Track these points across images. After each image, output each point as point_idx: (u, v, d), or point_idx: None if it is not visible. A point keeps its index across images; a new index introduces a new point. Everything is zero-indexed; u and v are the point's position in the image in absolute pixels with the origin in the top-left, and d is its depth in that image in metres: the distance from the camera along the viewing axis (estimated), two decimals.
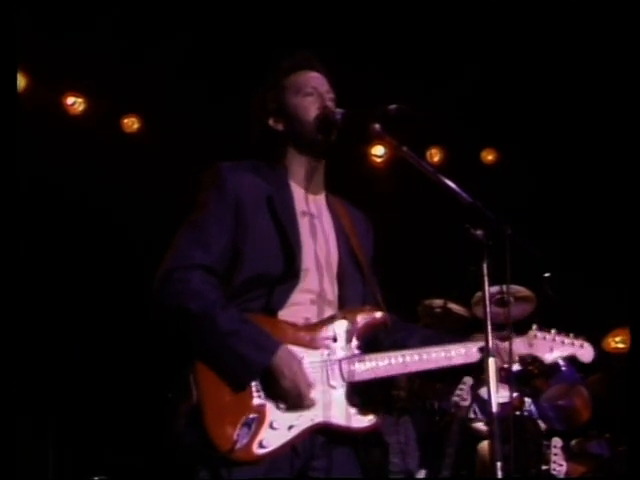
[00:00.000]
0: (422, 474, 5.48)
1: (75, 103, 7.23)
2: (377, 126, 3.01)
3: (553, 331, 3.24)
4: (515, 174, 7.79)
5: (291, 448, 2.84)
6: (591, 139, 7.45)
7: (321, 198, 3.20)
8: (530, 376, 5.43)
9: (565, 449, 5.34)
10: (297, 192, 3.12)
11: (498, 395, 2.70)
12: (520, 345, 3.18)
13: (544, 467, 5.24)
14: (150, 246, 7.11)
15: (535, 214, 7.31)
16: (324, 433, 2.91)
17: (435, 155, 7.96)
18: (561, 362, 5.39)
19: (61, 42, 6.73)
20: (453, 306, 5.89)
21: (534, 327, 3.23)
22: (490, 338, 2.74)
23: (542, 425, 5.43)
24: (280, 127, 3.15)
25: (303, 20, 6.86)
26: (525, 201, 7.46)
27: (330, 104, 3.14)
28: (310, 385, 2.85)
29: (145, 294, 2.92)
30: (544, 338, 3.23)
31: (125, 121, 7.50)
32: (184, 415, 2.80)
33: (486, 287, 2.73)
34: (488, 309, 2.74)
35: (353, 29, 6.97)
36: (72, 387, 6.59)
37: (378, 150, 7.90)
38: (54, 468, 6.11)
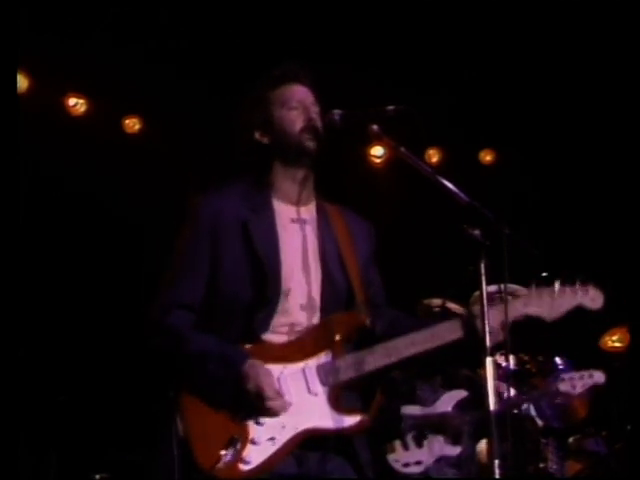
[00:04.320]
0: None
1: (77, 104, 7.25)
2: (375, 127, 3.04)
3: (557, 283, 3.02)
4: (513, 175, 7.81)
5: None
6: (589, 139, 7.46)
7: (311, 208, 3.21)
8: (527, 374, 5.45)
9: (559, 448, 5.37)
10: (280, 210, 3.13)
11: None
12: (511, 309, 2.96)
13: (541, 465, 5.27)
14: (152, 246, 7.17)
15: (533, 214, 7.33)
16: (315, 446, 2.93)
17: (433, 156, 7.98)
18: (559, 361, 5.41)
19: (63, 43, 6.74)
20: (451, 305, 5.89)
21: (533, 285, 3.06)
22: (488, 337, 2.74)
23: (539, 423, 5.44)
24: (266, 140, 3.16)
25: (303, 22, 6.89)
26: (523, 201, 7.48)
27: (315, 117, 3.16)
28: (276, 390, 2.88)
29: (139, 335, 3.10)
30: (542, 294, 3.03)
31: (126, 122, 7.51)
32: (172, 446, 2.88)
33: (484, 286, 2.75)
34: (485, 308, 2.75)
35: (352, 29, 6.99)
36: (74, 384, 6.61)
37: (377, 151, 7.92)
38: (56, 465, 6.12)
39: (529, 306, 3.04)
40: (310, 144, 3.11)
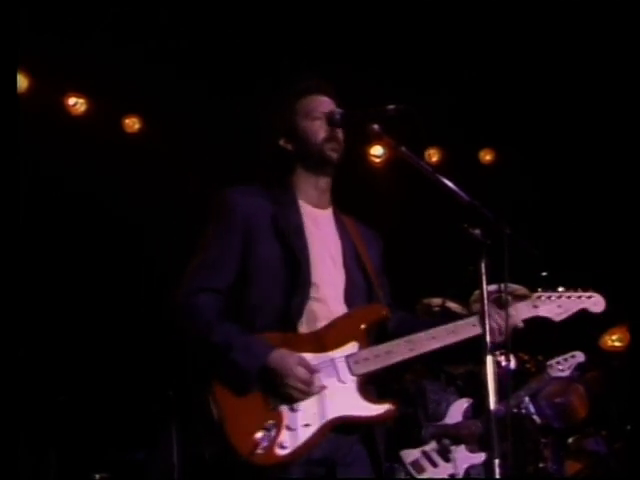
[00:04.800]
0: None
1: (77, 104, 7.25)
2: (376, 126, 3.11)
3: (560, 289, 3.22)
4: (513, 174, 7.82)
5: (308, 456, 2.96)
6: (589, 138, 7.47)
7: (328, 212, 3.35)
8: (526, 373, 5.46)
9: (559, 448, 5.38)
10: (305, 208, 3.28)
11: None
12: (524, 309, 3.22)
13: (541, 465, 5.27)
14: (152, 245, 7.19)
15: (533, 214, 7.34)
16: (341, 434, 3.02)
17: (433, 155, 7.98)
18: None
19: (63, 43, 6.74)
20: (451, 305, 5.89)
21: (539, 290, 3.24)
22: (488, 335, 2.77)
23: (538, 421, 5.44)
24: (290, 147, 3.32)
25: (303, 22, 6.89)
26: (523, 201, 7.48)
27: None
28: (313, 370, 2.98)
29: (163, 315, 3.15)
30: (549, 298, 3.23)
31: (126, 121, 7.51)
32: (207, 432, 2.96)
33: (484, 286, 2.78)
34: (486, 307, 2.78)
35: (352, 29, 6.99)
36: (74, 384, 6.61)
37: (377, 150, 7.92)
38: (56, 465, 6.13)
39: (539, 307, 3.24)
40: (332, 154, 3.27)
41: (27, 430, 5.86)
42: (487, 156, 8.23)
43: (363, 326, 3.14)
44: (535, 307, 3.23)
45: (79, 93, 7.28)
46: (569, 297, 3.22)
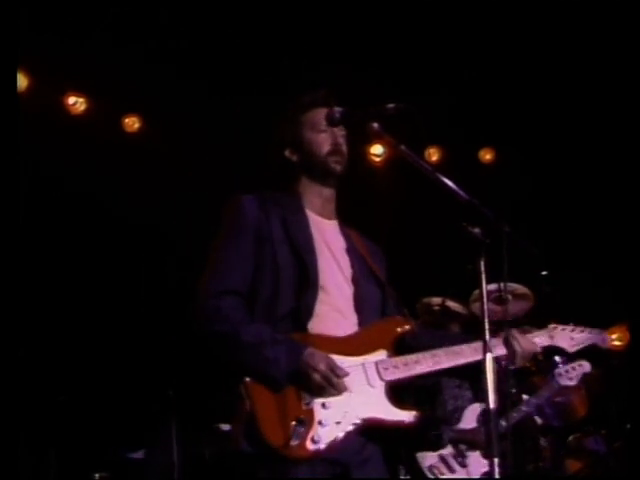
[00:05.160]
0: None
1: (76, 103, 7.26)
2: (375, 125, 3.13)
3: (571, 324, 3.43)
4: (513, 173, 7.82)
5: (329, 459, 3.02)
6: (589, 137, 7.47)
7: (334, 224, 3.44)
8: (527, 373, 5.47)
9: (558, 447, 5.39)
10: (311, 216, 3.36)
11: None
12: (542, 338, 3.38)
13: (541, 464, 5.28)
14: (151, 244, 7.19)
15: (533, 212, 7.34)
16: (364, 439, 3.10)
17: (433, 154, 7.98)
18: (557, 359, 5.42)
19: (62, 42, 6.74)
20: (451, 304, 5.90)
21: (552, 323, 3.43)
22: (487, 335, 2.78)
23: (539, 421, 5.45)
24: (295, 158, 3.42)
25: (303, 22, 6.89)
26: (523, 200, 7.48)
27: (341, 141, 3.40)
28: (340, 370, 3.05)
29: (187, 320, 3.22)
30: (563, 330, 3.42)
31: (126, 121, 7.52)
32: (240, 423, 3.02)
33: (483, 285, 2.79)
34: (485, 306, 2.79)
35: (352, 29, 7.00)
36: (74, 383, 6.61)
37: (377, 149, 7.92)
38: (56, 465, 6.13)
39: (555, 338, 3.42)
40: (336, 166, 3.38)
41: (27, 430, 5.87)
42: (487, 155, 8.24)
43: (391, 336, 3.24)
44: (551, 337, 3.41)
45: (79, 92, 7.28)
46: (581, 331, 3.45)
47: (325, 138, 3.38)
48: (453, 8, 6.88)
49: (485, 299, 2.78)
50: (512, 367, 3.22)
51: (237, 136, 7.15)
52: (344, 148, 3.40)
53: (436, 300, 5.92)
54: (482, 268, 2.78)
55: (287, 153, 3.42)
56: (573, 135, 7.51)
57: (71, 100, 7.26)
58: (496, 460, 2.68)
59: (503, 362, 3.21)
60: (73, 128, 7.20)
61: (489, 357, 2.75)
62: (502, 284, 2.84)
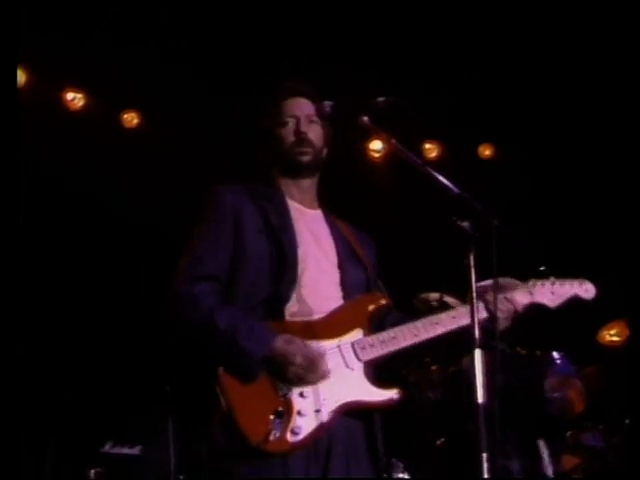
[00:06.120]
0: None
1: (75, 99, 7.27)
2: (365, 118, 3.10)
3: (552, 277, 3.32)
4: (512, 169, 7.82)
5: (306, 451, 2.97)
6: (588, 134, 7.47)
7: (319, 212, 3.39)
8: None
9: (553, 450, 5.41)
10: (293, 205, 3.31)
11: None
12: (521, 296, 3.28)
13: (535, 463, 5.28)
14: (149, 240, 7.19)
15: (532, 208, 7.35)
16: (342, 425, 3.03)
17: (432, 150, 7.98)
18: (556, 355, 5.43)
19: (61, 38, 6.74)
20: (449, 299, 5.90)
21: (532, 279, 3.33)
22: (477, 327, 2.79)
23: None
24: (267, 153, 3.37)
25: (303, 22, 6.89)
26: (523, 196, 7.49)
27: (305, 129, 3.30)
28: (318, 355, 3.00)
29: (160, 311, 3.16)
30: (543, 285, 3.31)
31: (125, 116, 7.53)
32: (218, 422, 2.96)
33: (473, 278, 2.79)
34: (474, 301, 2.81)
35: (352, 29, 7.00)
36: (70, 379, 6.62)
37: (376, 145, 7.92)
38: (52, 460, 6.14)
39: (534, 294, 3.30)
40: (301, 158, 3.29)
41: (25, 423, 5.86)
42: (486, 151, 8.24)
43: (366, 313, 3.17)
44: (530, 294, 3.30)
45: (77, 88, 7.29)
46: (561, 284, 3.32)
47: (288, 130, 3.31)
48: (453, 5, 6.87)
49: (474, 293, 2.79)
50: (498, 330, 3.11)
51: (235, 133, 7.15)
52: (311, 135, 3.31)
53: (434, 295, 5.92)
54: (472, 262, 2.78)
55: (260, 149, 3.39)
56: (573, 131, 7.51)
57: (69, 96, 7.27)
58: (484, 455, 2.66)
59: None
60: (71, 124, 7.21)
61: (478, 352, 2.75)
62: (496, 279, 2.90)
